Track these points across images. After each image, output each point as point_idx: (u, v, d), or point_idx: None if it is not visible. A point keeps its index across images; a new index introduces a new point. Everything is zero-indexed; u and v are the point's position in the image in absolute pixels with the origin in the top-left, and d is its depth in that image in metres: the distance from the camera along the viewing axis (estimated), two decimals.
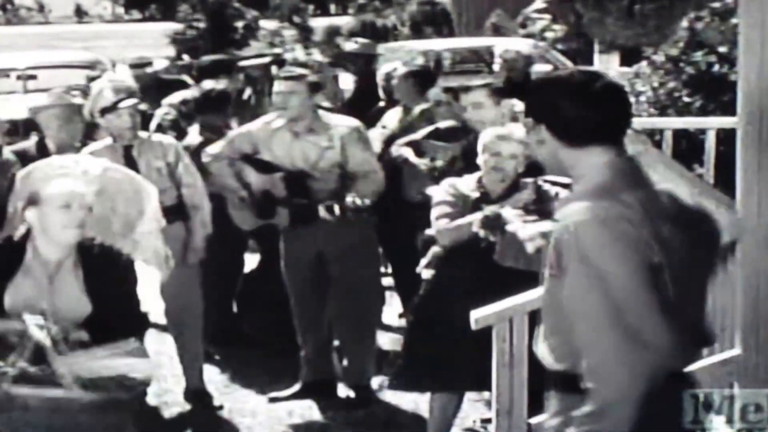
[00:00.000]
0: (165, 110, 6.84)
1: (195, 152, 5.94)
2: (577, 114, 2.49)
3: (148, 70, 8.66)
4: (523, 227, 4.55)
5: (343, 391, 5.68)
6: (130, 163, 5.36)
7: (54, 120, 5.57)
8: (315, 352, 5.68)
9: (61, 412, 3.47)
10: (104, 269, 3.79)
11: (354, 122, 5.67)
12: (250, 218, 5.65)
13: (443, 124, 6.34)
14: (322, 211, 5.29)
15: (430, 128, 6.32)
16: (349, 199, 5.19)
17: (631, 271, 2.35)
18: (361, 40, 9.35)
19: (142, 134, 5.57)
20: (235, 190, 5.60)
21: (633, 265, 2.35)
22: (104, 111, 5.42)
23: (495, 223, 4.59)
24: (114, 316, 3.66)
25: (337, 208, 5.22)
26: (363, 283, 5.56)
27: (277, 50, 9.33)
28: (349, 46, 8.72)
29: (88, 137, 5.88)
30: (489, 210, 4.59)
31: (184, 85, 8.47)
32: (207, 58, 7.14)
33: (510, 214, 4.63)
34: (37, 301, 3.67)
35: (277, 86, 5.53)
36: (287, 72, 5.69)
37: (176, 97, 7.02)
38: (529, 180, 4.86)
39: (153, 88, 8.23)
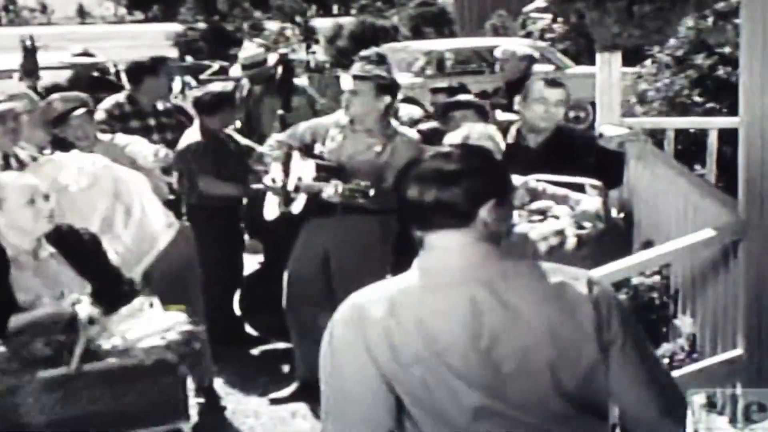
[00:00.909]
0: (99, 116, 6.72)
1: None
2: (403, 197, 2.42)
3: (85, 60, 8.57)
4: (532, 227, 4.55)
5: None
6: None
7: (29, 124, 5.50)
8: (311, 352, 5.64)
9: (120, 381, 3.56)
10: (78, 249, 3.92)
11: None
12: (275, 206, 5.64)
13: (426, 125, 6.35)
14: (329, 189, 5.17)
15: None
16: (354, 183, 5.15)
17: (355, 371, 2.37)
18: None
19: (104, 137, 5.56)
20: (273, 175, 5.58)
21: (354, 375, 2.37)
22: (55, 122, 5.43)
23: None
24: (108, 288, 3.76)
25: (340, 187, 5.14)
26: (367, 283, 5.53)
27: (282, 50, 9.27)
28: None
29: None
30: None
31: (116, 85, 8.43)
32: (133, 60, 7.05)
33: (515, 215, 4.63)
34: (48, 289, 3.76)
35: (345, 84, 5.49)
36: (356, 71, 5.61)
37: (109, 101, 6.94)
38: (519, 180, 4.88)
39: (85, 80, 8.18)
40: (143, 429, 3.77)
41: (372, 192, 5.14)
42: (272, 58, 8.40)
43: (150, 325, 3.69)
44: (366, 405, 2.37)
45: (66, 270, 3.89)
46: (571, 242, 4.59)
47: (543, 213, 4.69)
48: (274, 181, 5.54)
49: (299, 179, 5.48)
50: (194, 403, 5.50)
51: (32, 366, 3.51)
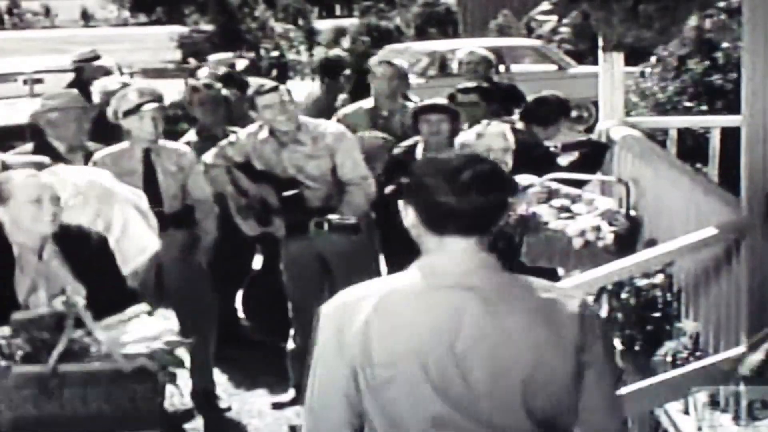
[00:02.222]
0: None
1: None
2: (436, 201, 2.36)
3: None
4: (566, 224, 4.61)
5: None
6: (148, 166, 5.36)
7: (70, 122, 5.58)
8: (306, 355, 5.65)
9: (96, 385, 3.54)
10: (81, 251, 3.93)
11: (340, 128, 5.67)
12: (254, 224, 5.66)
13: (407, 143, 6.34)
14: (311, 228, 5.25)
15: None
16: (335, 216, 5.21)
17: (327, 365, 2.43)
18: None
19: (162, 141, 5.54)
20: (234, 198, 5.61)
21: (330, 363, 2.42)
22: (127, 113, 5.40)
23: (532, 222, 4.60)
24: (106, 293, 3.77)
25: (326, 225, 5.21)
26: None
27: (275, 53, 9.39)
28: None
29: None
30: (523, 209, 4.63)
31: None
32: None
33: (545, 212, 4.66)
34: (48, 289, 3.79)
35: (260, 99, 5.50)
36: (259, 87, 5.63)
37: None
38: (536, 179, 4.91)
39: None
40: None
41: (355, 220, 5.23)
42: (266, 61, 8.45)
43: (139, 333, 3.65)
44: (332, 402, 2.40)
45: (64, 271, 3.90)
46: (610, 237, 4.74)
47: (569, 210, 4.75)
48: (245, 207, 5.56)
49: (265, 200, 5.49)
50: (186, 404, 5.54)
51: (10, 361, 3.48)
